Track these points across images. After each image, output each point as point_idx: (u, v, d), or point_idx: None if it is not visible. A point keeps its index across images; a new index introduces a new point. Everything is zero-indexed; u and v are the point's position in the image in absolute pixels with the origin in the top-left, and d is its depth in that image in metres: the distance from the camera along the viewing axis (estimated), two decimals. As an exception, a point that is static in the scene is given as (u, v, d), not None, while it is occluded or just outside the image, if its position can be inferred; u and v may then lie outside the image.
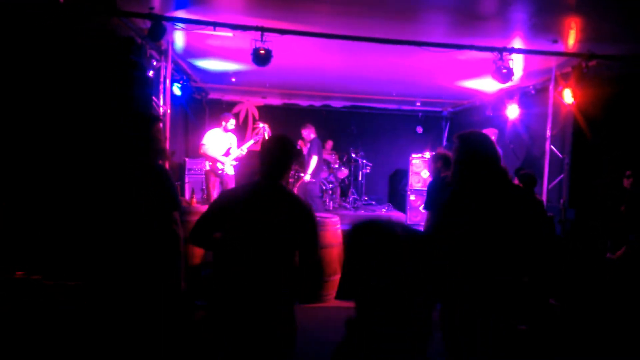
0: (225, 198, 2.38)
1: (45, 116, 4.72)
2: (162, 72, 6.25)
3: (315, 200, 7.89)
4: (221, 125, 6.86)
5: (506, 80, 5.30)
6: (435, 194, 4.44)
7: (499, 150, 2.23)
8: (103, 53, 5.16)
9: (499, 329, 2.10)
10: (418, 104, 10.52)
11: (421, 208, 8.83)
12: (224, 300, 2.21)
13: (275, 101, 10.77)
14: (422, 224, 8.69)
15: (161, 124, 2.83)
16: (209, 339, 2.24)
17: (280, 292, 2.21)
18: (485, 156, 2.16)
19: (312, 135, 7.84)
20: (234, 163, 6.95)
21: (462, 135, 2.26)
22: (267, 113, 10.40)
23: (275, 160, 2.31)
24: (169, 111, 6.39)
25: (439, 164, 4.53)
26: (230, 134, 6.98)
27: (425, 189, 8.77)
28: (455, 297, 2.15)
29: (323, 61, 6.88)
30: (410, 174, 9.09)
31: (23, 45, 4.65)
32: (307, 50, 6.23)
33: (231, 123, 6.88)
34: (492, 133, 7.09)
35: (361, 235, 2.55)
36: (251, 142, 7.24)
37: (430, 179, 5.03)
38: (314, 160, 7.65)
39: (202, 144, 6.75)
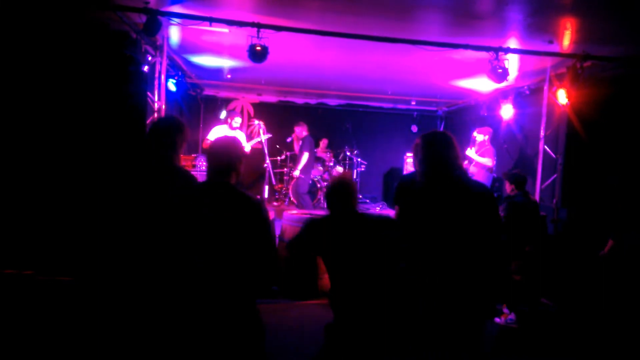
0: (178, 203, 2.32)
1: (37, 111, 4.68)
2: (157, 67, 6.22)
3: (303, 197, 7.92)
4: (227, 122, 6.98)
5: (501, 80, 5.32)
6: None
7: (457, 149, 2.35)
8: (96, 47, 5.13)
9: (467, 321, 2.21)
10: (413, 103, 10.53)
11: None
12: (180, 302, 2.19)
13: (271, 98, 10.75)
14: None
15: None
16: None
17: (237, 290, 2.19)
18: (443, 155, 2.31)
19: (305, 133, 7.99)
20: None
21: (424, 135, 2.42)
22: (262, 110, 10.38)
23: (220, 161, 2.32)
24: (164, 107, 6.36)
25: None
26: (237, 131, 7.03)
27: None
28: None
29: (319, 59, 6.87)
30: (404, 172, 9.12)
31: (15, 39, 4.61)
32: (303, 48, 6.22)
33: (236, 121, 6.99)
34: (486, 132, 7.13)
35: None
36: (256, 140, 7.31)
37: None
38: (305, 157, 7.77)
39: (207, 139, 6.84)
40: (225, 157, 2.32)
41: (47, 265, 3.93)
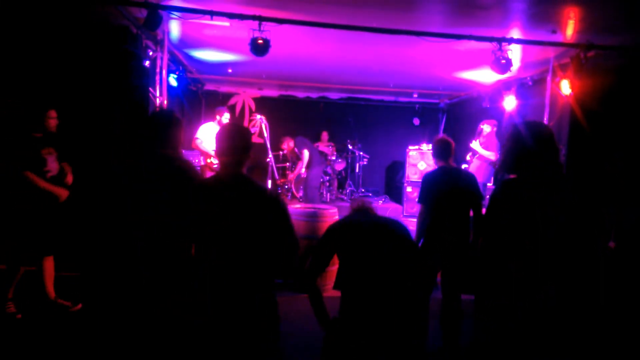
0: (195, 201, 2.31)
1: (38, 105, 4.67)
2: (158, 62, 6.19)
3: (313, 190, 7.95)
4: (215, 119, 6.80)
5: (505, 71, 5.28)
6: (431, 186, 4.07)
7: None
8: (97, 42, 5.11)
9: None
10: (415, 95, 10.49)
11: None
12: (201, 295, 2.19)
13: (272, 92, 10.71)
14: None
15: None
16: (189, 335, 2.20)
17: (256, 282, 2.20)
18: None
19: (292, 143, 8.38)
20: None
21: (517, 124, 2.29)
22: (263, 104, 10.35)
23: (234, 149, 2.28)
24: (165, 102, 6.33)
25: (436, 153, 4.16)
26: None
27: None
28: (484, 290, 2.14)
29: (320, 52, 6.83)
30: (407, 165, 9.09)
31: (15, 33, 4.59)
32: (304, 41, 6.19)
33: (226, 117, 6.81)
34: (491, 124, 7.09)
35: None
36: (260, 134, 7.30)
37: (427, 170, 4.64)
38: (306, 154, 7.93)
39: (196, 138, 6.69)
40: (240, 147, 2.29)
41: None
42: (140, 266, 2.52)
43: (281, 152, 8.99)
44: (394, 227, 2.56)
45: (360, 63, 7.49)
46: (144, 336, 2.45)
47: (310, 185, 7.93)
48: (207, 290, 2.16)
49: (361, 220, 2.57)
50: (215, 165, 6.74)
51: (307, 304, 2.54)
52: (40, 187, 3.81)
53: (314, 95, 10.88)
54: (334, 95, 10.90)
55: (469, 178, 4.02)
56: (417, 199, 4.15)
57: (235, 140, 2.28)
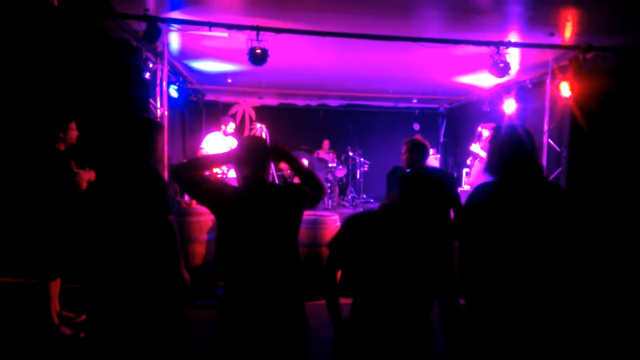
0: (224, 200, 2.34)
1: (38, 118, 4.68)
2: (159, 74, 6.22)
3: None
4: (220, 129, 6.83)
5: (503, 74, 5.30)
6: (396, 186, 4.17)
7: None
8: (97, 56, 5.13)
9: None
10: (414, 100, 10.52)
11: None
12: (234, 299, 2.21)
13: (272, 101, 10.75)
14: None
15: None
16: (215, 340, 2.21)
17: (288, 286, 2.24)
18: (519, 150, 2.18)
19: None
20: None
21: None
22: (263, 113, 10.37)
23: (257, 158, 2.32)
24: (166, 113, 6.36)
25: (414, 155, 4.21)
26: (230, 137, 6.95)
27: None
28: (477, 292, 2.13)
29: (319, 60, 6.86)
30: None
31: (16, 47, 4.61)
32: (302, 49, 6.22)
33: (231, 127, 6.84)
34: (490, 128, 7.09)
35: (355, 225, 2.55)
36: None
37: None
38: (305, 163, 7.87)
39: (201, 148, 6.71)
40: (263, 157, 2.34)
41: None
42: (140, 266, 2.53)
43: (282, 172, 8.90)
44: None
45: (359, 70, 7.52)
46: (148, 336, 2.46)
47: None
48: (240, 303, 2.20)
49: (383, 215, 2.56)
50: (220, 175, 6.75)
51: (309, 310, 2.51)
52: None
53: (313, 103, 10.91)
54: (333, 103, 10.93)
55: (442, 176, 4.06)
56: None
57: (259, 151, 2.33)
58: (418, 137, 4.43)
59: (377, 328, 2.32)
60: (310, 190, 2.36)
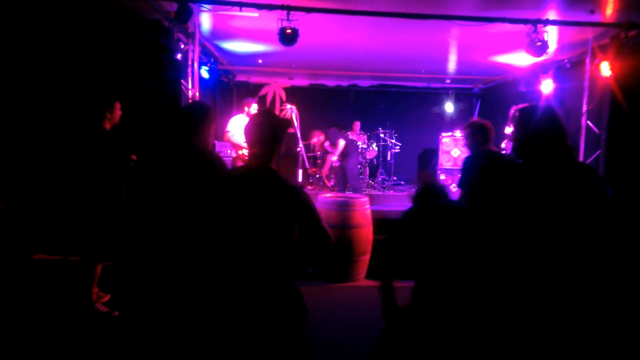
0: (220, 192, 2.30)
1: (71, 102, 4.82)
2: (190, 55, 6.29)
3: (355, 180, 7.97)
4: (244, 110, 6.89)
5: (540, 54, 5.12)
6: (470, 170, 3.89)
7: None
8: (130, 37, 5.23)
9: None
10: (448, 81, 10.30)
11: (453, 187, 8.72)
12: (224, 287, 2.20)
13: (302, 82, 10.72)
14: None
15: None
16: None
17: (278, 273, 2.19)
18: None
19: (322, 138, 8.10)
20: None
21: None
22: (294, 94, 10.37)
23: (263, 140, 2.24)
24: (197, 94, 6.44)
25: (478, 136, 4.04)
26: None
27: (456, 167, 8.71)
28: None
29: (350, 39, 6.78)
30: (440, 152, 8.96)
31: (51, 28, 4.73)
32: (333, 29, 6.16)
33: (254, 108, 6.89)
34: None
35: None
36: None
37: (466, 154, 4.37)
38: (341, 143, 7.83)
39: (227, 131, 6.79)
40: (268, 138, 2.24)
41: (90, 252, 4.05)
42: (161, 258, 2.54)
43: (311, 146, 8.92)
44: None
45: (391, 50, 7.40)
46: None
47: (351, 175, 7.92)
48: (228, 281, 2.18)
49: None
50: (243, 157, 6.84)
51: (339, 294, 2.50)
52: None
53: (344, 83, 10.83)
54: (364, 83, 10.81)
55: (509, 162, 3.94)
56: (457, 184, 4.06)
57: (263, 131, 2.24)
58: (475, 119, 4.29)
59: (441, 317, 2.24)
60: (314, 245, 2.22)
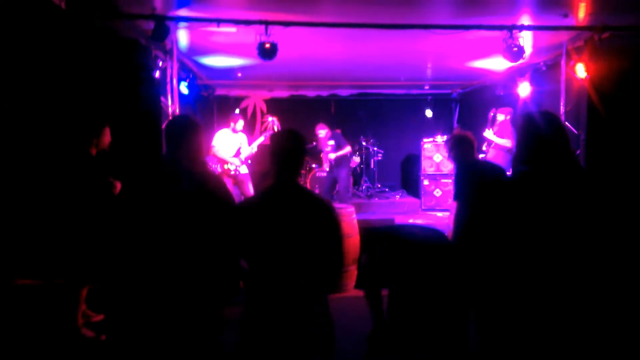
0: (245, 216, 2.25)
1: (51, 120, 4.72)
2: (169, 71, 6.22)
3: (347, 192, 7.95)
4: (230, 125, 6.90)
5: (517, 58, 5.19)
6: (465, 181, 3.98)
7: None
8: (108, 56, 5.16)
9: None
10: (427, 87, 10.39)
11: (437, 192, 8.77)
12: (260, 309, 2.17)
13: (282, 93, 10.70)
14: (437, 208, 8.67)
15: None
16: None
17: (313, 293, 2.17)
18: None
19: (328, 133, 8.05)
20: (246, 162, 6.98)
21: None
22: (274, 106, 10.35)
23: (289, 157, 2.22)
24: (177, 111, 6.38)
25: (465, 147, 4.08)
26: (240, 134, 7.00)
27: (439, 173, 8.77)
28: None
29: (328, 50, 6.80)
30: (422, 158, 9.02)
31: (26, 50, 4.63)
32: (311, 41, 6.16)
33: (240, 124, 6.93)
34: (507, 112, 6.98)
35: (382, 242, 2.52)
36: (261, 139, 7.25)
37: (453, 165, 4.35)
38: (348, 149, 7.88)
39: (212, 146, 6.76)
40: (296, 152, 2.23)
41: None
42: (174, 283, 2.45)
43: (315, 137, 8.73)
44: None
45: (370, 59, 7.44)
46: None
47: (343, 185, 7.91)
48: (263, 304, 2.15)
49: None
50: (233, 172, 6.80)
51: (335, 305, 2.48)
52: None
53: (324, 93, 10.84)
54: (344, 92, 10.84)
55: (498, 170, 4.01)
56: (453, 196, 4.06)
57: (293, 153, 2.23)
58: (456, 130, 4.43)
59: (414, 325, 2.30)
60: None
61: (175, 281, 2.33)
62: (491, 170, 4.11)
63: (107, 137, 4.08)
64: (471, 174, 3.93)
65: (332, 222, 2.20)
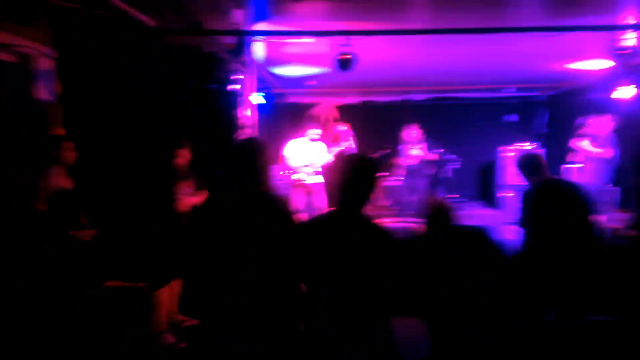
0: (303, 242, 2.16)
1: (135, 134, 4.87)
2: (247, 84, 6.23)
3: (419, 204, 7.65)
4: (304, 134, 6.78)
5: (629, 62, 4.64)
6: (529, 207, 3.50)
7: None
8: (190, 70, 5.26)
9: None
10: (512, 90, 9.76)
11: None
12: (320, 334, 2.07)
13: (354, 99, 10.53)
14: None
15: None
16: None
17: (375, 320, 2.05)
18: None
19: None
20: (322, 172, 6.82)
21: None
22: (346, 112, 10.14)
23: (357, 189, 2.09)
24: (255, 122, 6.39)
25: (532, 168, 3.62)
26: (316, 142, 6.86)
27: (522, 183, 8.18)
28: None
29: (405, 56, 6.57)
30: (504, 167, 8.51)
31: (115, 66, 4.80)
32: (388, 47, 5.97)
33: (314, 132, 6.79)
34: (605, 119, 6.33)
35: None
36: (340, 147, 7.08)
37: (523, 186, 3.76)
38: (436, 157, 7.80)
39: (284, 155, 6.68)
40: (366, 187, 2.10)
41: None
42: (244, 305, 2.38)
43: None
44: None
45: (449, 64, 7.08)
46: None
47: (420, 198, 7.59)
48: (326, 331, 2.05)
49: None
50: (304, 181, 6.67)
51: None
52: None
53: (397, 98, 10.54)
54: (418, 97, 10.47)
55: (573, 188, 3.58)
56: (519, 222, 3.63)
57: (361, 180, 2.10)
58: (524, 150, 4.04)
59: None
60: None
61: (245, 298, 2.25)
62: (564, 189, 3.57)
63: (187, 153, 4.17)
64: (532, 202, 3.49)
65: (395, 256, 2.07)
